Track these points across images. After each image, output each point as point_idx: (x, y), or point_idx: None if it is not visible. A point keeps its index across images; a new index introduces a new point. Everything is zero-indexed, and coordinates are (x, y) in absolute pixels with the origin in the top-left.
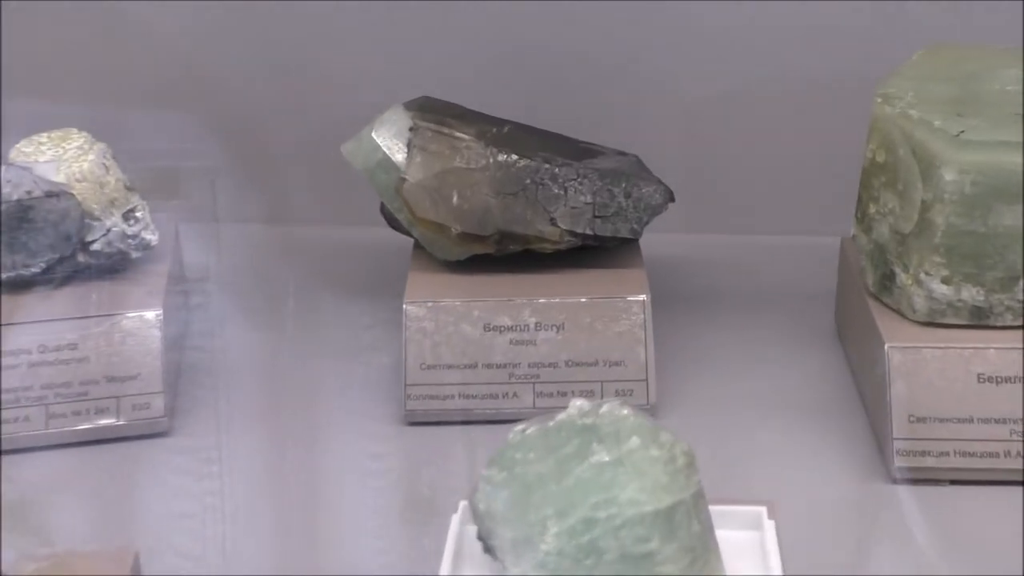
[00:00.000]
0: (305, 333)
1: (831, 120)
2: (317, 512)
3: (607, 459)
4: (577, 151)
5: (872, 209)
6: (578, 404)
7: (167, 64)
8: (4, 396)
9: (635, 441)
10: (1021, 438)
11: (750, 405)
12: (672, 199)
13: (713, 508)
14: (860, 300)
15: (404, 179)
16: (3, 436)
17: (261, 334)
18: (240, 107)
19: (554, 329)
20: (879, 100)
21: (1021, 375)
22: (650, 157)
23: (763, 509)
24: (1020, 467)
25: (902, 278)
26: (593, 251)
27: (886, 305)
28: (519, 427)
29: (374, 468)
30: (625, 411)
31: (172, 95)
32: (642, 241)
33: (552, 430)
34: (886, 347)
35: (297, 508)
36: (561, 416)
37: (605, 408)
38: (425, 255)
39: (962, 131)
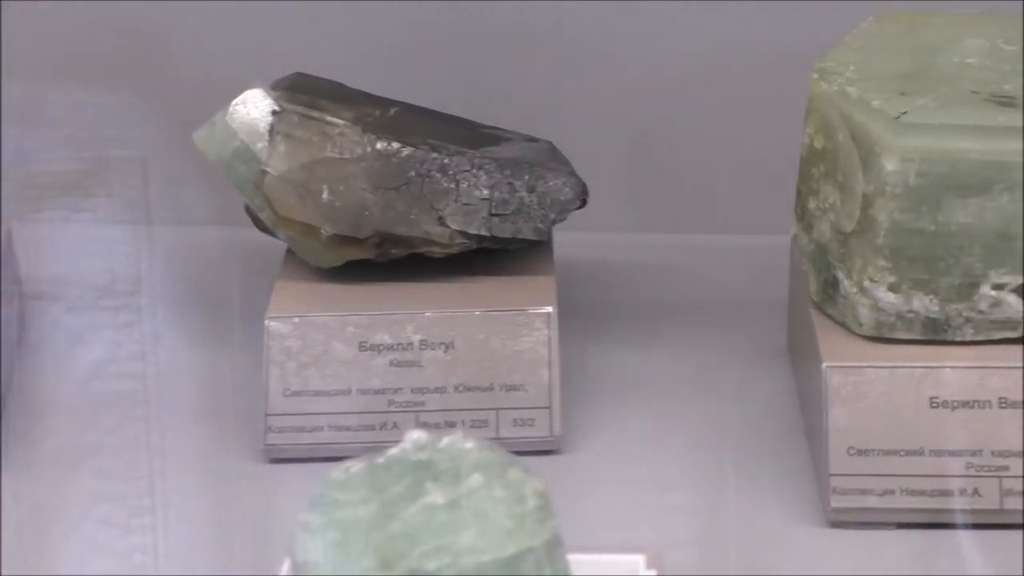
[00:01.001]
0: (157, 353)
1: (786, 99)
2: (140, 568)
3: (441, 501)
4: (477, 137)
5: (812, 204)
6: (414, 436)
7: (96, 37)
8: None
9: (476, 479)
10: (979, 474)
11: (674, 436)
12: (586, 194)
13: (579, 557)
14: (804, 311)
15: (265, 172)
16: None
17: (109, 353)
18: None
19: (442, 348)
20: (815, 76)
21: (980, 399)
22: (567, 143)
23: (640, 558)
24: (978, 508)
25: (845, 285)
26: (493, 255)
27: (830, 317)
28: (345, 464)
29: (214, 516)
30: (469, 444)
31: (101, 73)
32: (556, 243)
33: (381, 467)
34: (823, 366)
35: (112, 566)
36: (393, 451)
37: (446, 441)
38: (298, 261)
39: (904, 112)
